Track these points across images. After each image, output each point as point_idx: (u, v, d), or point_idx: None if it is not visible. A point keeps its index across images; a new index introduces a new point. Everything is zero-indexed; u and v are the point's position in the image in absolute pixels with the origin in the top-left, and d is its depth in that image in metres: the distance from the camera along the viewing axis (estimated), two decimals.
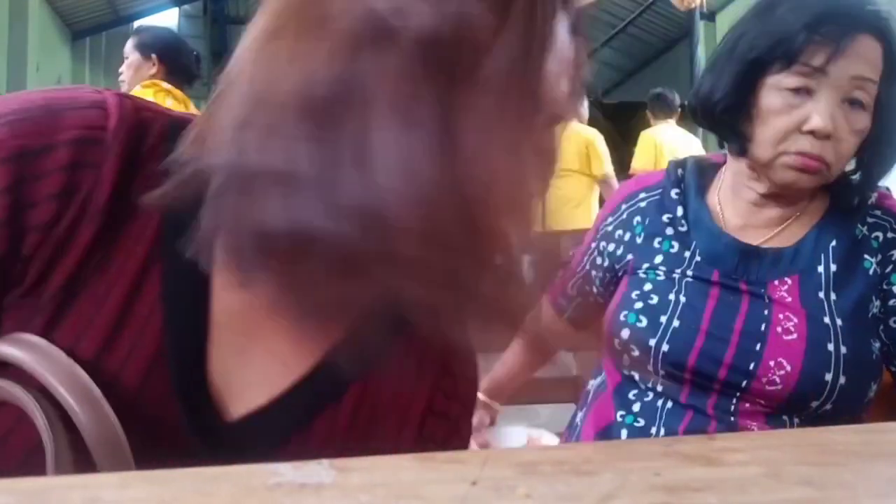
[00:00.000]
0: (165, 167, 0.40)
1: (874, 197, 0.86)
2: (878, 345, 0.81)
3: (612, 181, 3.63)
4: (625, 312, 0.87)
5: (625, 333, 0.85)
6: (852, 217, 0.85)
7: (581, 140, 3.68)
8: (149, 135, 0.42)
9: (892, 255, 0.83)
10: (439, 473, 0.30)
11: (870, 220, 0.85)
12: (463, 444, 0.54)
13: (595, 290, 0.98)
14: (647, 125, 4.18)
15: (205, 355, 0.42)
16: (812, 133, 0.76)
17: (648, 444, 0.36)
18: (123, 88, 2.21)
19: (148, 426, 0.39)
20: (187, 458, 0.36)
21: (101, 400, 0.37)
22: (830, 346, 0.78)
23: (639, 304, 0.86)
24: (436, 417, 0.50)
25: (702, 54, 5.91)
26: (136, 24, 8.50)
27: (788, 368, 0.77)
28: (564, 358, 1.25)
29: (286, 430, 0.44)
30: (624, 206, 0.94)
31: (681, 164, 0.95)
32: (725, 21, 6.65)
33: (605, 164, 3.71)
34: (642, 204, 0.93)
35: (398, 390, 0.48)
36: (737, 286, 0.83)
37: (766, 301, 0.82)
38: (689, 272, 0.85)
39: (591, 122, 4.00)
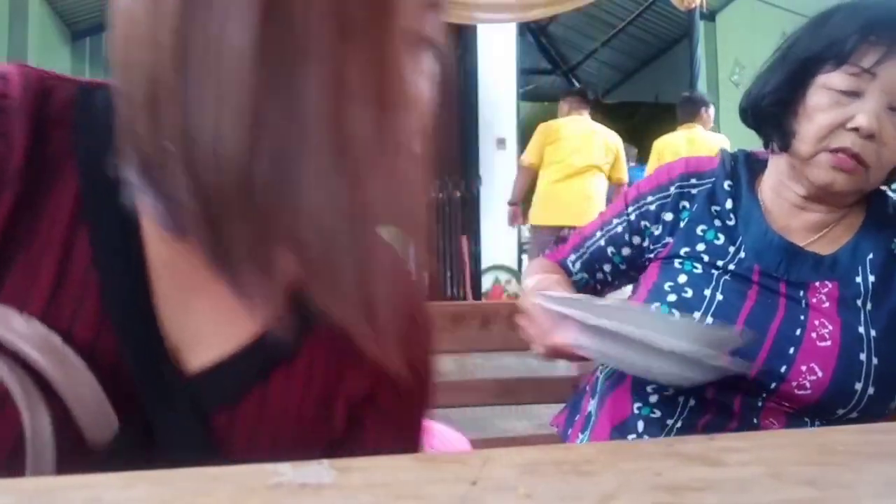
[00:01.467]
0: (76, 132, 0.41)
1: None
2: None
3: (626, 187, 3.74)
4: (656, 304, 0.84)
5: None
6: (888, 231, 0.86)
7: (612, 145, 3.88)
8: (55, 100, 0.41)
9: None
10: (439, 473, 0.30)
11: None
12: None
13: (608, 268, 0.95)
14: (647, 125, 4.19)
15: (151, 310, 0.41)
16: (856, 131, 0.77)
17: (649, 444, 0.36)
18: None
19: (105, 386, 0.38)
20: (151, 417, 0.39)
21: (72, 356, 0.37)
22: (863, 356, 0.78)
23: (672, 297, 0.84)
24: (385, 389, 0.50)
25: (702, 54, 5.90)
26: None
27: (820, 374, 0.77)
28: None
29: (246, 385, 0.44)
30: (673, 188, 0.91)
31: (734, 156, 0.93)
32: (725, 21, 6.65)
33: (625, 171, 3.90)
34: (693, 190, 0.91)
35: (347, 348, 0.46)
36: (776, 286, 0.83)
37: (803, 306, 0.81)
38: (731, 267, 0.83)
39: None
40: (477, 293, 5.95)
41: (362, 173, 0.36)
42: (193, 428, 0.42)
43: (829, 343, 0.78)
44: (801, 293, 0.82)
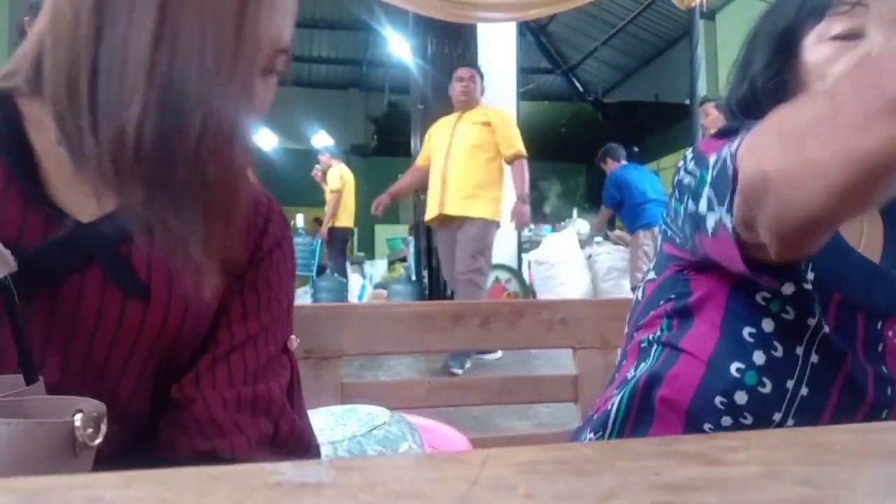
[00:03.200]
0: None
1: None
2: None
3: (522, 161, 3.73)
4: (739, 365, 0.68)
5: (740, 397, 0.68)
6: None
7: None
8: None
9: None
10: (439, 473, 0.30)
11: None
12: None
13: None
14: (646, 124, 4.18)
15: (41, 181, 0.54)
16: None
17: (648, 443, 0.36)
18: None
19: (16, 233, 0.51)
20: (56, 246, 0.52)
21: (6, 253, 0.48)
22: None
23: (759, 358, 0.67)
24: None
25: (702, 53, 5.90)
26: None
27: None
28: (564, 358, 1.25)
29: (127, 234, 0.54)
30: None
31: None
32: (725, 20, 6.63)
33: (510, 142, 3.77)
34: None
35: None
36: (854, 323, 0.69)
37: (881, 349, 0.69)
38: (820, 309, 0.67)
39: (591, 122, 4.01)
40: None
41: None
42: (104, 249, 0.55)
43: None
44: (880, 326, 0.70)
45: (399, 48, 8.77)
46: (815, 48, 0.71)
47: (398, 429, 1.07)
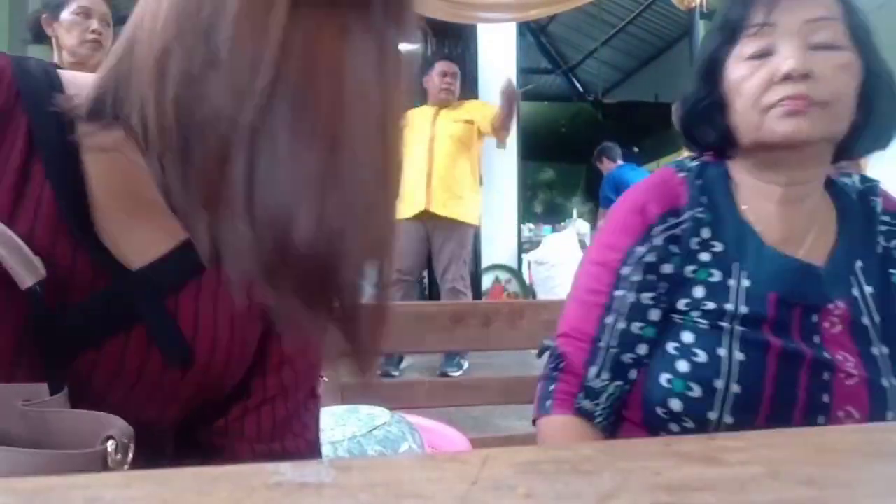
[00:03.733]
0: (18, 84, 0.50)
1: (880, 203, 0.81)
2: None
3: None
4: (667, 376, 0.74)
5: (675, 405, 0.73)
6: (868, 230, 0.79)
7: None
8: None
9: None
10: (439, 473, 0.30)
11: (882, 227, 0.80)
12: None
13: (643, 350, 0.78)
14: (646, 125, 4.16)
15: (90, 218, 0.50)
16: (789, 78, 0.72)
17: (648, 443, 0.36)
18: None
19: (63, 279, 0.48)
20: (101, 303, 0.49)
21: (30, 254, 0.46)
22: (885, 382, 0.73)
23: (683, 366, 0.73)
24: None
25: None
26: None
27: (857, 416, 0.72)
28: None
29: (180, 278, 0.53)
30: (656, 232, 0.79)
31: (698, 173, 0.82)
32: None
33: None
34: (677, 231, 0.78)
35: None
36: (791, 317, 0.74)
37: (819, 341, 0.74)
38: (742, 310, 0.73)
39: (591, 122, 4.00)
40: (477, 292, 5.95)
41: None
42: (151, 307, 0.52)
43: (856, 379, 0.72)
44: (815, 319, 0.75)
45: None
46: (735, 68, 0.78)
47: (398, 429, 1.07)
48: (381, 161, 0.43)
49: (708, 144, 0.84)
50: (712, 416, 0.72)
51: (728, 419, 0.71)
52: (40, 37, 2.11)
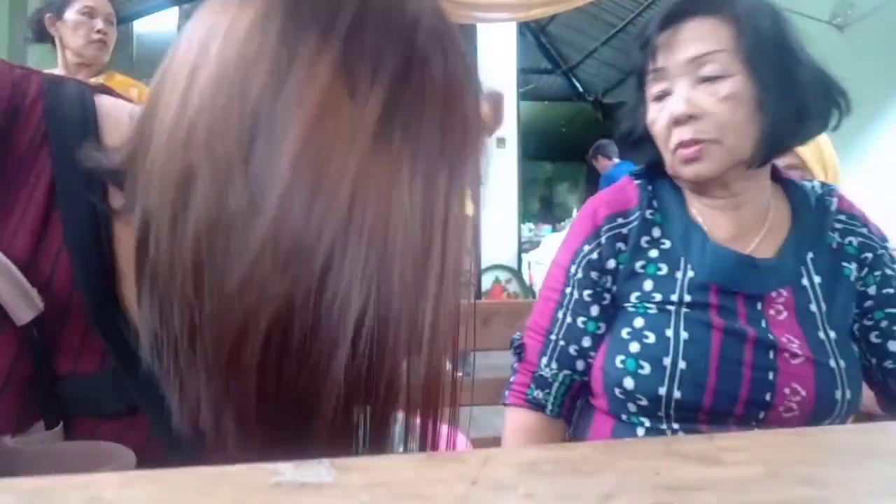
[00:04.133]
0: (47, 121, 0.44)
1: (835, 202, 0.87)
2: (856, 349, 0.83)
3: None
4: (621, 357, 0.80)
5: (628, 383, 0.79)
6: (820, 225, 0.85)
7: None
8: (28, 91, 0.45)
9: (867, 256, 0.84)
10: (439, 473, 0.30)
11: (838, 225, 0.86)
12: None
13: (587, 342, 0.86)
14: None
15: (115, 290, 0.46)
16: (678, 122, 0.80)
17: (648, 443, 0.36)
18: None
19: (73, 358, 0.46)
20: (105, 383, 0.45)
21: (33, 292, 0.42)
22: (832, 363, 0.78)
23: (634, 347, 0.80)
24: None
25: None
26: (136, 23, 8.50)
27: (803, 394, 0.76)
28: None
29: None
30: (604, 232, 0.87)
31: (649, 179, 0.91)
32: None
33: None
34: (624, 230, 0.87)
35: None
36: (735, 305, 0.80)
37: (764, 325, 0.79)
38: (686, 297, 0.80)
39: (591, 122, 4.00)
40: (477, 292, 5.95)
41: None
42: (156, 411, 0.46)
43: (802, 359, 0.77)
44: (760, 306, 0.80)
45: None
46: (649, 109, 0.86)
47: (398, 429, 1.07)
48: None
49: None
50: (662, 391, 0.77)
51: (677, 394, 0.77)
52: (42, 36, 2.09)
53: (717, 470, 0.31)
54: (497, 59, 6.32)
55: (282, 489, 0.27)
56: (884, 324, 0.82)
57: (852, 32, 5.76)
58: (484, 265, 6.13)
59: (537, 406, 0.89)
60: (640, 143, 0.89)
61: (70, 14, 2.01)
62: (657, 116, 0.84)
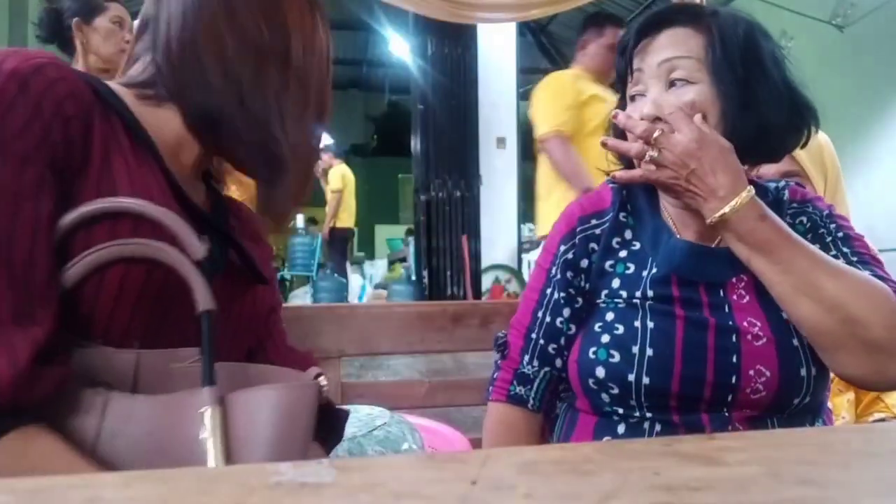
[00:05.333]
0: (113, 110, 0.63)
1: (787, 193, 0.91)
2: None
3: None
4: (593, 349, 0.84)
5: (600, 372, 0.82)
6: (777, 213, 0.87)
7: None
8: (88, 90, 0.61)
9: (821, 232, 0.88)
10: (439, 473, 0.30)
11: (790, 210, 0.90)
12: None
13: (563, 341, 0.90)
14: None
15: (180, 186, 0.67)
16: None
17: (648, 443, 0.36)
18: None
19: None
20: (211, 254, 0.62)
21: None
22: (795, 342, 0.80)
23: (605, 338, 0.84)
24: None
25: None
26: (136, 23, 8.50)
27: (768, 374, 0.78)
28: None
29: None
30: (578, 233, 0.91)
31: (624, 184, 0.93)
32: None
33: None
34: (597, 230, 0.91)
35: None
36: (697, 295, 0.83)
37: (727, 309, 0.82)
38: (650, 292, 0.84)
39: None
40: (477, 292, 5.95)
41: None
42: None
43: (764, 340, 0.80)
44: (722, 294, 0.84)
45: (399, 48, 8.76)
46: (627, 108, 0.89)
47: (398, 429, 1.07)
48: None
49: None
50: (631, 377, 0.80)
51: (646, 380, 0.80)
52: (55, 36, 2.11)
53: (717, 470, 0.31)
54: (497, 59, 6.32)
55: (282, 489, 0.27)
56: None
57: (852, 32, 5.76)
58: (484, 265, 6.12)
59: (519, 402, 0.91)
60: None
61: (102, 21, 2.04)
62: (633, 112, 0.86)
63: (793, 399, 0.79)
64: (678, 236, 0.88)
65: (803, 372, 0.78)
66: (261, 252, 0.76)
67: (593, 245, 0.90)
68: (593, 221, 0.91)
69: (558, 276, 0.91)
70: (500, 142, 6.29)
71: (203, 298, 0.56)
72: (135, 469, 0.42)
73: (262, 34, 0.66)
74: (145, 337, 0.57)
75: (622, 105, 0.92)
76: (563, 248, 0.92)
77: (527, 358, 0.92)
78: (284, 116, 0.66)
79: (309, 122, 0.70)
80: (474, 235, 6.09)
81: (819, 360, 0.79)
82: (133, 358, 0.55)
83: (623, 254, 0.89)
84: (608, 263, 0.89)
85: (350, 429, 1.01)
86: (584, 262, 0.90)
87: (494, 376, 0.95)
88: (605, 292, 0.87)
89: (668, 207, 0.91)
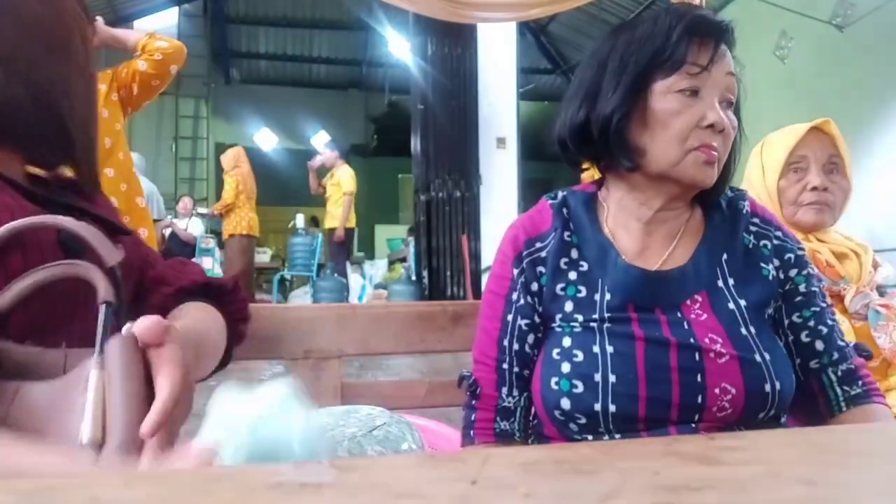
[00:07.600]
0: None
1: (747, 205, 0.90)
2: (782, 343, 0.85)
3: None
4: (555, 379, 0.81)
5: (565, 403, 0.80)
6: (734, 228, 0.88)
7: None
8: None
9: (788, 258, 0.87)
10: (440, 472, 0.30)
11: (752, 228, 0.89)
12: None
13: (534, 366, 0.87)
14: None
15: None
16: (711, 127, 0.81)
17: (648, 443, 0.36)
18: None
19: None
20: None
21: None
22: (758, 357, 0.79)
23: (566, 367, 0.81)
24: None
25: None
26: (136, 23, 8.50)
27: (733, 391, 0.77)
28: None
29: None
30: (525, 256, 0.89)
31: (563, 202, 0.91)
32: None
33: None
34: (542, 253, 0.88)
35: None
36: (655, 317, 0.82)
37: (687, 327, 0.81)
38: (606, 315, 0.82)
39: None
40: (477, 292, 5.95)
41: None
42: None
43: (727, 357, 0.79)
44: (679, 315, 0.82)
45: (399, 48, 8.76)
46: (664, 97, 0.83)
47: (398, 429, 1.07)
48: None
49: (591, 157, 0.91)
50: (598, 406, 0.78)
51: (612, 408, 0.78)
52: None
53: (717, 470, 0.31)
54: (497, 59, 6.32)
55: (282, 489, 0.27)
56: (811, 322, 0.86)
57: (852, 32, 5.76)
58: (484, 264, 6.12)
59: (507, 437, 0.88)
60: (619, 130, 0.84)
61: None
62: (679, 111, 0.82)
63: (758, 414, 0.78)
64: (623, 257, 0.86)
65: (768, 388, 0.78)
66: (108, 212, 0.80)
67: (540, 268, 0.87)
68: (537, 245, 0.89)
69: (521, 301, 0.87)
70: (500, 142, 6.29)
71: (105, 292, 0.59)
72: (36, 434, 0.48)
73: None
74: (44, 329, 0.62)
75: (631, 90, 0.84)
76: (515, 272, 0.88)
77: (505, 390, 0.87)
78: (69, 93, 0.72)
79: (78, 86, 0.74)
80: (474, 235, 6.09)
81: (784, 376, 0.79)
82: (61, 356, 0.59)
83: (573, 276, 0.86)
84: (559, 287, 0.86)
85: (350, 429, 1.01)
86: (535, 286, 0.87)
87: (472, 418, 0.90)
88: (559, 316, 0.85)
89: (611, 223, 0.89)
